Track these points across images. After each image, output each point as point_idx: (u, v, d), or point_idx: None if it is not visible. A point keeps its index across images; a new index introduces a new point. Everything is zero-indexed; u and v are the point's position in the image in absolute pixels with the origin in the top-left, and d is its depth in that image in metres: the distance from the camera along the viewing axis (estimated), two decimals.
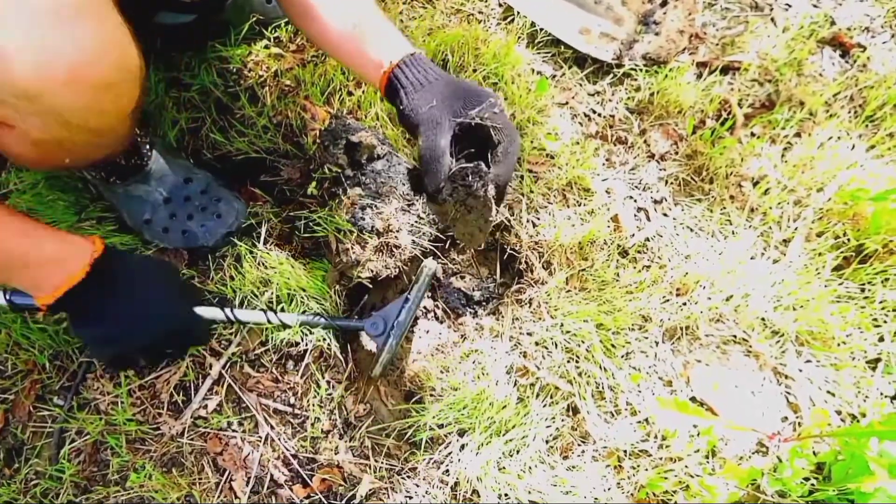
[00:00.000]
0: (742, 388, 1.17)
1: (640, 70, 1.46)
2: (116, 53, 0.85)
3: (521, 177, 1.33)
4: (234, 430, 1.13)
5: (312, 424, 1.14)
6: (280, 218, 1.28)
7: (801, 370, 1.18)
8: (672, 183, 1.36)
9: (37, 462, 1.11)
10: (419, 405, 1.16)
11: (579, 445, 1.14)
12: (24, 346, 1.17)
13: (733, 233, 1.30)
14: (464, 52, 1.43)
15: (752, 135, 1.41)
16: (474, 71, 1.42)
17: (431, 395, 1.17)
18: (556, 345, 1.19)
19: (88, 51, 0.81)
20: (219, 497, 1.09)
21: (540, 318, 1.22)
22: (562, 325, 1.20)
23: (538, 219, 1.30)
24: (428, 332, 1.25)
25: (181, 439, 1.12)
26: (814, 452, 1.07)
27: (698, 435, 1.10)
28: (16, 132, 0.86)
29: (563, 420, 1.15)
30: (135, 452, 1.11)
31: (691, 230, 1.31)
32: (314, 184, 1.28)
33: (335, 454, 1.12)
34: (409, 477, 1.12)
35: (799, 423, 1.14)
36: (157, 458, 1.11)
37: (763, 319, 1.22)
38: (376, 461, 1.12)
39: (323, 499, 1.09)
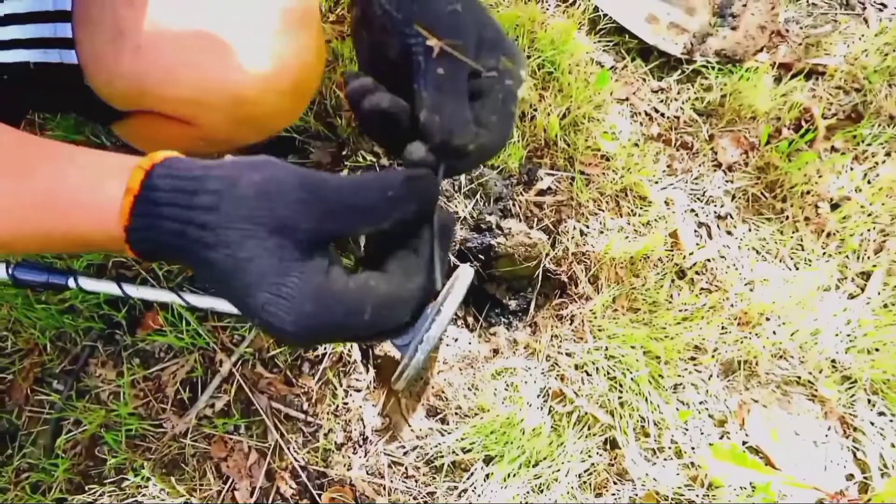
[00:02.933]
0: (803, 437, 1.05)
1: (713, 68, 1.31)
2: (323, 63, 0.81)
3: (572, 178, 1.21)
4: (240, 435, 1.04)
5: (325, 435, 1.05)
6: None
7: (872, 423, 1.05)
8: (739, 198, 1.22)
9: (31, 451, 1.04)
10: (443, 424, 1.06)
11: (615, 484, 1.03)
12: (25, 325, 1.10)
13: (806, 260, 1.16)
14: (519, 35, 1.30)
15: (834, 149, 1.26)
16: (529, 57, 1.29)
17: (457, 414, 1.07)
18: (597, 370, 1.08)
19: (308, 62, 0.75)
20: None
21: (582, 339, 1.11)
22: (606, 348, 1.08)
23: (587, 226, 1.18)
24: (457, 340, 1.15)
25: (184, 440, 1.04)
26: None
27: (753, 490, 0.99)
28: (187, 129, 0.77)
29: (599, 454, 1.04)
30: (134, 450, 1.03)
31: (758, 253, 1.18)
32: (346, 171, 1.17)
33: (348, 470, 1.03)
34: (426, 503, 1.02)
35: (867, 485, 1.02)
36: (156, 459, 1.02)
37: (833, 361, 1.09)
38: (392, 482, 1.03)
39: None
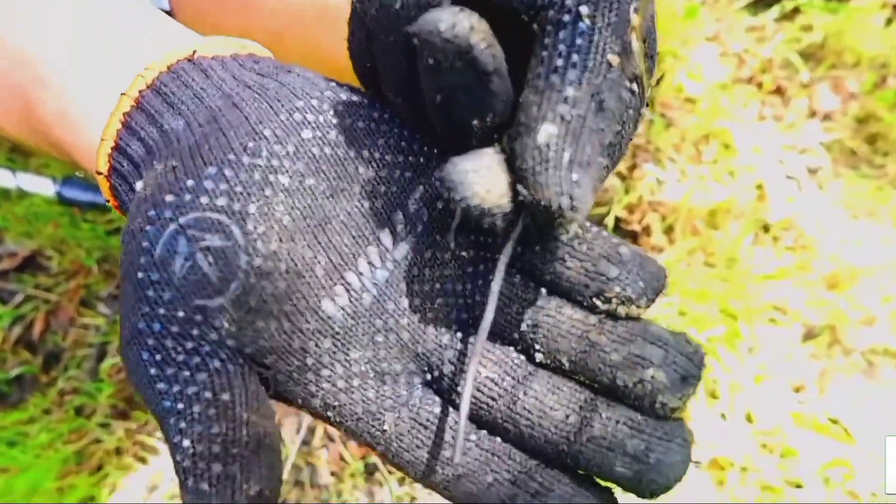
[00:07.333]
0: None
1: (815, 5, 1.19)
2: None
3: (651, 120, 1.11)
4: None
5: None
6: None
7: None
8: (835, 150, 1.12)
9: (75, 373, 1.02)
10: None
11: None
12: (70, 244, 1.06)
13: None
14: None
15: None
16: None
17: None
18: (669, 326, 1.01)
19: None
20: None
21: None
22: (679, 303, 1.01)
23: (664, 173, 1.10)
24: None
25: None
26: None
27: (830, 462, 0.92)
28: None
29: None
30: None
31: (851, 210, 1.08)
32: None
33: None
34: None
35: None
36: None
37: None
38: None
39: (378, 462, 0.97)
